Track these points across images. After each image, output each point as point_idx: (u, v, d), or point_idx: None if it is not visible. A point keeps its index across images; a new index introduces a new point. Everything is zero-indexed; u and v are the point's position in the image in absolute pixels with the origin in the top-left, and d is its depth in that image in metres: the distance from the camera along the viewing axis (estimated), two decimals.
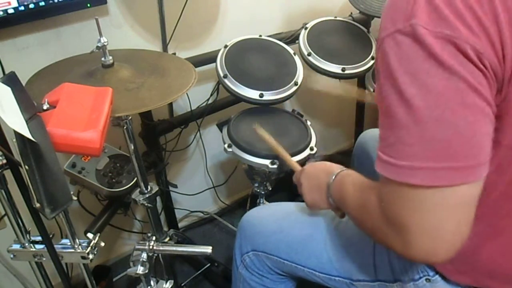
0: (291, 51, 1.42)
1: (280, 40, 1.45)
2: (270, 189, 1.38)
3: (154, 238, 1.08)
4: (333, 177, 0.78)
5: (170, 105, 1.47)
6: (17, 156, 0.58)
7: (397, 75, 0.53)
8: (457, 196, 0.53)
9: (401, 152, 0.54)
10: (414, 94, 0.52)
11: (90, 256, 0.78)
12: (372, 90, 1.46)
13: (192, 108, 1.47)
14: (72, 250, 0.77)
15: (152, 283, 1.09)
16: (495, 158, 0.57)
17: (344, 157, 2.03)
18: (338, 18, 1.55)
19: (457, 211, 0.54)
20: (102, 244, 0.81)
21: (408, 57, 0.52)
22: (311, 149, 1.24)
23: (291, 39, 1.50)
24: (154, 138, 1.42)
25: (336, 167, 0.81)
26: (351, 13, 1.59)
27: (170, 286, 1.11)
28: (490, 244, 0.66)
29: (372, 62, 1.45)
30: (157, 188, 1.11)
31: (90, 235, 1.10)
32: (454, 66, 0.50)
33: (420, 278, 0.77)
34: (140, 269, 1.03)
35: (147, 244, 1.06)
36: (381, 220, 0.60)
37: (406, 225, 0.55)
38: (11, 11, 1.04)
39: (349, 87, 1.42)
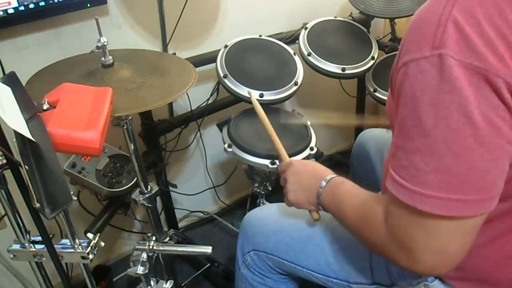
0: (291, 51, 1.42)
1: (280, 40, 1.45)
2: (270, 189, 1.38)
3: (154, 238, 1.08)
4: (325, 183, 0.77)
5: (170, 105, 1.47)
6: (17, 156, 0.58)
7: (419, 104, 0.52)
8: (464, 226, 0.54)
9: (414, 177, 0.54)
10: (433, 125, 0.51)
11: (90, 256, 0.78)
12: (372, 90, 1.46)
13: (192, 108, 1.47)
14: (72, 250, 0.77)
15: (152, 283, 1.09)
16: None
17: (344, 157, 2.03)
18: (338, 18, 1.55)
19: (462, 237, 0.56)
20: (102, 244, 0.81)
21: (431, 88, 0.51)
22: (311, 149, 1.24)
23: (291, 39, 1.50)
24: (154, 138, 1.42)
25: (327, 172, 0.81)
26: (351, 13, 1.59)
27: (170, 286, 1.11)
28: (495, 254, 0.67)
29: (372, 62, 1.45)
30: (157, 188, 1.11)
31: (90, 235, 1.10)
32: (477, 102, 0.49)
33: (418, 283, 0.77)
34: (140, 269, 1.03)
35: (147, 244, 1.06)
36: (386, 235, 0.60)
37: (413, 244, 0.56)
38: (11, 11, 1.04)
39: (347, 116, 1.41)
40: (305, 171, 0.85)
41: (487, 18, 0.49)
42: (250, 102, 1.29)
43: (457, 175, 0.52)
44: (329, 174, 0.80)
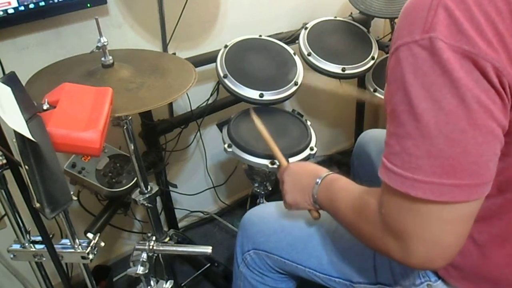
0: (291, 51, 1.42)
1: (280, 40, 1.45)
2: (270, 189, 1.38)
3: (154, 238, 1.08)
4: (320, 181, 0.77)
5: (170, 105, 1.47)
6: (17, 156, 0.58)
7: (410, 88, 0.52)
8: (457, 212, 0.54)
9: (406, 163, 0.54)
10: (425, 109, 0.51)
11: (90, 256, 0.78)
12: (372, 90, 1.46)
13: (192, 108, 1.47)
14: (72, 250, 0.77)
15: (152, 283, 1.09)
16: (506, 170, 0.57)
17: (344, 157, 2.03)
18: (338, 18, 1.55)
19: (456, 225, 0.55)
20: (102, 244, 0.81)
21: (423, 71, 0.51)
22: (311, 149, 1.24)
23: (291, 39, 1.50)
24: (154, 138, 1.42)
25: (322, 170, 0.81)
26: (351, 13, 1.59)
27: (170, 286, 1.11)
28: (497, 253, 0.66)
29: (372, 62, 1.45)
30: (157, 188, 1.11)
31: (90, 235, 1.09)
32: (469, 84, 0.49)
33: (422, 283, 0.77)
34: (140, 269, 1.03)
35: (147, 244, 1.06)
36: (380, 226, 0.60)
37: (406, 233, 0.56)
38: (11, 11, 1.04)
39: (349, 87, 1.41)
40: (300, 170, 0.85)
41: (477, 4, 0.50)
42: (250, 102, 1.29)
43: (450, 158, 0.51)
44: (324, 172, 0.80)
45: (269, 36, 1.46)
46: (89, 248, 0.78)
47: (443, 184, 0.52)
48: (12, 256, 0.79)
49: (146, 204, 1.10)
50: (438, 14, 0.50)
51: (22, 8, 1.05)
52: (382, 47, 1.57)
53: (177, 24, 1.33)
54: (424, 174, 0.52)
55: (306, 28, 1.47)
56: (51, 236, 0.71)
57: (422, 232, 0.55)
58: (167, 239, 1.18)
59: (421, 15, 0.52)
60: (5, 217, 0.75)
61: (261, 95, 1.28)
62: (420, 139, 0.52)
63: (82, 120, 0.67)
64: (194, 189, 1.71)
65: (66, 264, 1.03)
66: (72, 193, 0.63)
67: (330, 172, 0.79)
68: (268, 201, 1.41)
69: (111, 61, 0.94)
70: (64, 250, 0.77)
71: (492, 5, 0.50)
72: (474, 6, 0.50)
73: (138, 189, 1.10)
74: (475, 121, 0.50)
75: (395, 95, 0.55)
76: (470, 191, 0.52)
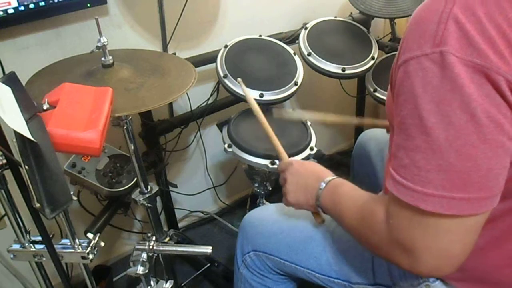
0: (291, 51, 1.42)
1: (280, 40, 1.45)
2: (270, 189, 1.38)
3: (154, 238, 1.08)
4: (324, 184, 0.77)
5: (170, 105, 1.47)
6: (17, 156, 0.58)
7: (420, 101, 0.52)
8: (466, 225, 0.54)
9: (416, 176, 0.54)
10: (435, 123, 0.51)
11: (90, 256, 0.78)
12: (372, 90, 1.46)
13: (192, 108, 1.47)
14: (72, 250, 0.77)
15: (152, 283, 1.09)
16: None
17: (344, 157, 2.03)
18: (338, 18, 1.55)
19: (464, 236, 0.55)
20: (102, 244, 0.81)
21: (433, 85, 0.51)
22: (311, 149, 1.24)
23: (291, 39, 1.50)
24: (154, 138, 1.42)
25: (327, 173, 0.81)
26: (351, 13, 1.59)
27: (170, 286, 1.11)
28: (497, 255, 0.67)
29: (372, 62, 1.45)
30: (157, 188, 1.11)
31: (90, 235, 1.10)
32: (480, 99, 0.49)
33: (420, 284, 0.77)
34: (140, 269, 1.03)
35: (147, 244, 1.06)
36: (387, 236, 0.60)
37: (415, 245, 0.56)
38: (11, 11, 1.04)
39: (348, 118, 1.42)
40: (304, 171, 0.85)
41: (488, 16, 0.49)
42: None
43: (460, 173, 0.51)
44: (328, 175, 0.80)
45: (269, 36, 1.46)
46: (89, 248, 0.78)
47: (452, 198, 0.52)
48: (12, 256, 0.79)
49: (146, 204, 1.10)
50: (449, 27, 0.50)
51: (22, 8, 1.05)
52: (382, 47, 1.57)
53: (177, 24, 1.33)
54: (434, 187, 0.52)
55: (306, 28, 1.47)
56: (51, 236, 0.71)
57: (431, 244, 0.55)
58: (167, 239, 1.18)
59: (431, 28, 0.51)
60: (5, 217, 0.75)
61: (261, 95, 1.28)
62: (429, 153, 0.52)
63: (82, 120, 0.67)
64: (194, 189, 1.71)
65: (66, 264, 1.03)
66: (72, 193, 0.63)
67: (335, 176, 0.79)
68: (268, 201, 1.42)
69: (111, 61, 0.94)
70: (64, 250, 0.77)
71: (503, 17, 0.49)
72: (485, 19, 0.49)
73: (138, 189, 1.10)
74: (485, 135, 0.50)
75: (404, 108, 0.54)
76: (479, 204, 0.52)
